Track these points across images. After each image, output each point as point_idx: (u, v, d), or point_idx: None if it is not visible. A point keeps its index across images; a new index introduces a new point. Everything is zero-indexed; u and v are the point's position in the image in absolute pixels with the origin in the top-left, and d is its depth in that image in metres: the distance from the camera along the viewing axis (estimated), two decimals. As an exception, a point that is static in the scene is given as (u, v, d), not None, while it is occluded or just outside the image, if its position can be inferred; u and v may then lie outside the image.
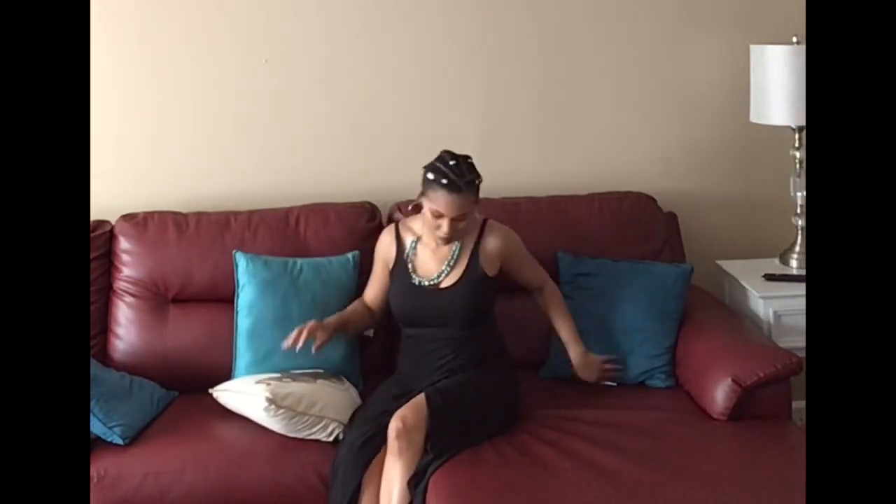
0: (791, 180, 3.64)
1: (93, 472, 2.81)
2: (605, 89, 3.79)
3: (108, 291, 3.41)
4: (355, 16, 3.66)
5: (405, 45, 3.69)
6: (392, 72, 3.70)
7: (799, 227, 3.67)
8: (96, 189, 3.35)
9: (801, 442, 2.73)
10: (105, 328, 3.37)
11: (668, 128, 3.83)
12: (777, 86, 3.49)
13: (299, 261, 3.31)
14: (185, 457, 2.89)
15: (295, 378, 3.06)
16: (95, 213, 3.35)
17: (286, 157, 3.69)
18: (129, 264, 3.39)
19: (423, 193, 2.96)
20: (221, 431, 3.02)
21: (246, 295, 3.25)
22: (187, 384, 3.23)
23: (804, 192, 3.58)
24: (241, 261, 3.29)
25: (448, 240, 2.99)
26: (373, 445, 2.83)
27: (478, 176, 2.96)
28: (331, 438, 2.94)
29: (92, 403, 2.89)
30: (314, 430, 2.94)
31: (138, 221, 3.43)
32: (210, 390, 3.10)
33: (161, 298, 3.38)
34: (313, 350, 3.00)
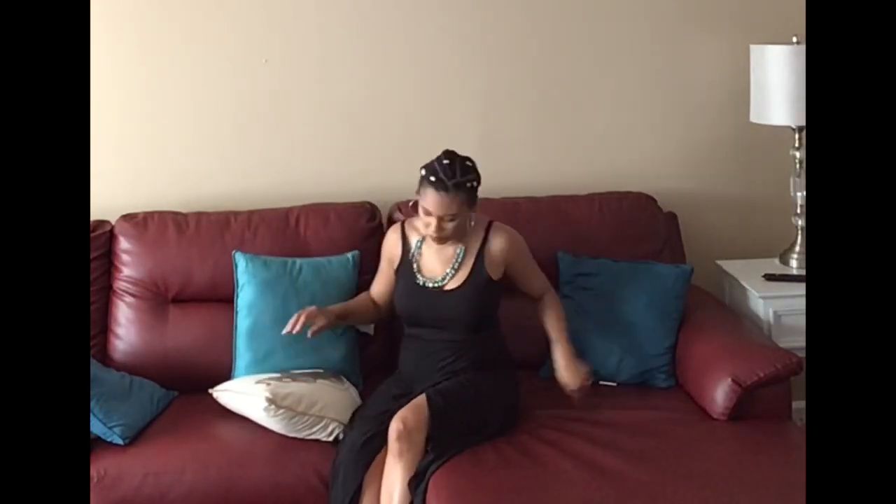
0: (791, 180, 3.64)
1: (93, 472, 2.81)
2: (605, 89, 3.79)
3: (108, 291, 3.41)
4: (355, 16, 3.66)
5: (405, 45, 3.69)
6: (392, 72, 3.70)
7: (799, 227, 3.67)
8: (96, 189, 3.35)
9: (801, 442, 2.73)
10: (105, 328, 3.37)
11: (668, 128, 3.83)
12: (777, 86, 3.49)
13: (299, 261, 3.31)
14: (185, 457, 2.89)
15: (295, 378, 3.06)
16: (95, 213, 3.35)
17: (286, 157, 3.69)
18: (129, 264, 3.39)
19: (417, 191, 2.97)
20: (221, 431, 3.02)
21: (245, 295, 3.25)
22: (187, 384, 3.23)
23: (804, 192, 3.58)
24: (241, 261, 3.29)
25: (438, 239, 2.98)
26: (373, 445, 2.83)
27: (472, 179, 2.93)
28: (331, 438, 2.94)
29: (92, 403, 2.89)
30: (314, 429, 2.94)
31: (138, 221, 3.43)
32: (210, 390, 3.10)
33: (161, 298, 3.38)
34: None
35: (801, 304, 3.24)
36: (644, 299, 3.27)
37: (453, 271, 3.02)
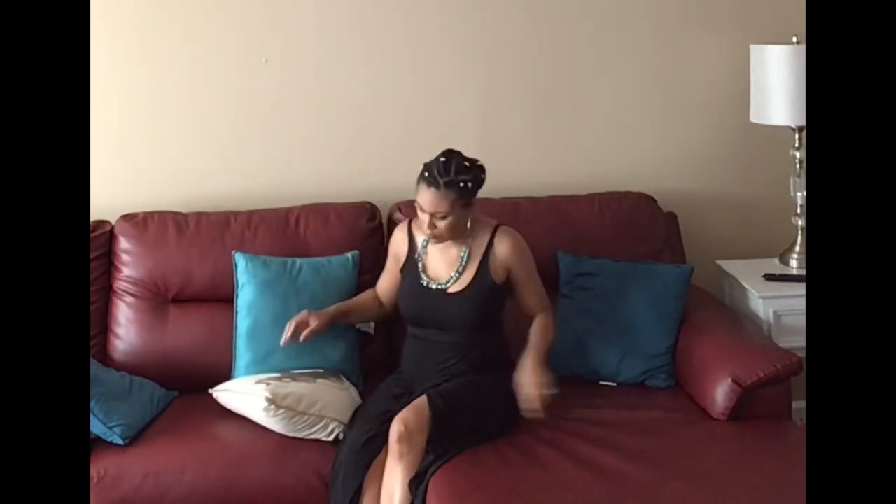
0: (791, 180, 3.64)
1: (93, 472, 2.81)
2: (605, 89, 3.80)
3: (108, 291, 3.41)
4: (355, 16, 3.66)
5: (405, 46, 3.69)
6: (392, 72, 3.70)
7: (799, 227, 3.67)
8: (96, 189, 3.36)
9: (801, 442, 2.73)
10: (105, 328, 3.37)
11: (668, 128, 3.83)
12: (777, 86, 3.49)
13: (298, 260, 3.31)
14: (185, 457, 2.89)
15: (295, 378, 3.06)
16: (95, 213, 3.35)
17: (286, 157, 3.69)
18: (129, 264, 3.39)
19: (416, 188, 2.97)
20: (221, 431, 3.02)
21: (245, 295, 3.25)
22: (187, 384, 3.23)
23: (804, 192, 3.58)
24: (241, 261, 3.29)
25: (432, 237, 2.98)
26: (374, 445, 2.83)
27: (467, 179, 2.91)
28: (331, 438, 2.94)
29: (92, 403, 2.89)
30: (314, 429, 2.94)
31: (138, 221, 3.44)
32: (210, 390, 3.10)
33: (161, 298, 3.38)
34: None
35: (801, 304, 3.24)
36: (644, 299, 3.27)
37: (457, 273, 3.01)
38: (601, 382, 3.24)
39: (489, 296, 3.00)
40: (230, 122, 3.66)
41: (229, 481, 2.85)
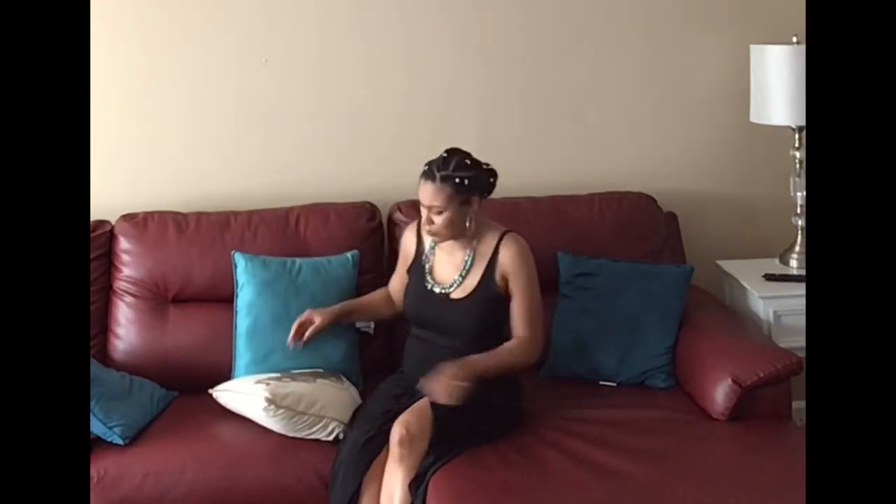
0: (791, 180, 3.64)
1: (93, 472, 2.82)
2: (605, 89, 3.79)
3: (108, 291, 3.41)
4: (355, 16, 3.66)
5: (405, 46, 3.69)
6: (392, 72, 3.70)
7: (799, 227, 3.67)
8: (96, 189, 3.36)
9: (801, 442, 2.73)
10: (105, 328, 3.37)
11: (668, 128, 3.83)
12: (777, 86, 3.49)
13: (298, 260, 3.31)
14: (185, 457, 2.89)
15: (294, 378, 3.06)
16: (95, 213, 3.35)
17: (286, 157, 3.69)
18: (129, 264, 3.39)
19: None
20: (221, 431, 3.02)
21: (245, 295, 3.25)
22: (187, 384, 3.23)
23: (804, 192, 3.58)
24: (240, 261, 3.29)
25: (432, 234, 2.97)
26: (374, 446, 2.82)
27: (465, 175, 2.89)
28: (331, 438, 2.94)
29: (92, 403, 2.89)
30: (314, 429, 2.94)
31: (138, 221, 3.43)
32: (210, 390, 3.10)
33: (161, 298, 3.38)
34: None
35: (801, 304, 3.24)
36: (644, 299, 3.27)
37: (461, 279, 3.00)
38: (601, 382, 3.24)
39: (492, 304, 2.97)
40: (230, 122, 3.66)
41: (229, 481, 2.85)
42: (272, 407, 2.91)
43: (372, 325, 3.35)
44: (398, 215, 3.50)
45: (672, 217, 3.67)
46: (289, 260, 3.31)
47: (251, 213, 3.48)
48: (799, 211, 3.65)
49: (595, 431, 2.89)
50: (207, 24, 3.61)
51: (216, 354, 3.27)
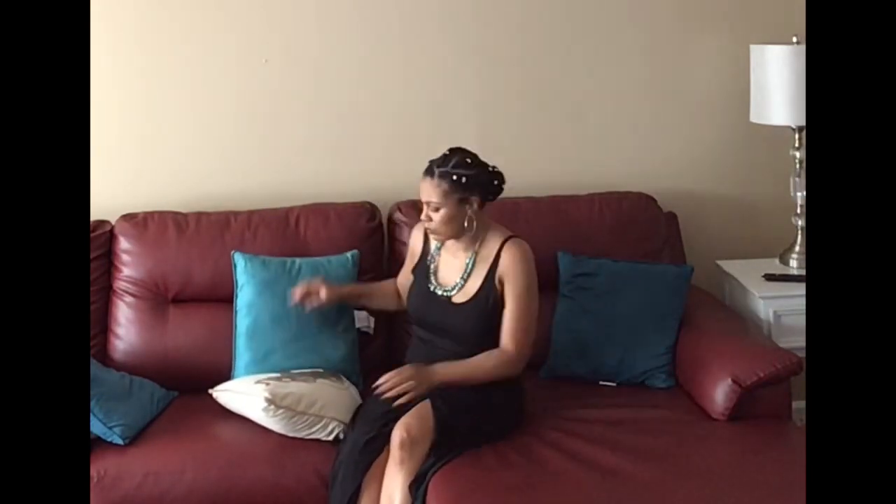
0: (791, 180, 3.64)
1: (93, 472, 2.82)
2: (605, 89, 3.79)
3: (108, 291, 3.41)
4: (355, 16, 3.66)
5: (405, 46, 3.69)
6: (392, 72, 3.70)
7: (799, 227, 3.67)
8: (96, 189, 3.35)
9: (801, 442, 2.73)
10: (105, 328, 3.37)
11: (668, 128, 3.83)
12: (777, 86, 3.49)
13: (298, 260, 3.31)
14: (185, 457, 2.89)
15: (294, 378, 3.06)
16: (95, 213, 3.35)
17: (286, 157, 3.69)
18: (129, 264, 3.39)
19: None
20: (221, 431, 3.02)
21: (245, 295, 3.25)
22: (187, 384, 3.23)
23: (804, 192, 3.58)
24: (240, 261, 3.29)
25: (430, 231, 2.98)
26: (374, 446, 2.81)
27: (463, 173, 2.89)
28: (331, 438, 2.94)
29: (92, 403, 2.89)
30: (314, 429, 2.94)
31: (138, 221, 3.44)
32: (210, 390, 3.10)
33: (161, 298, 3.38)
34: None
35: (801, 304, 3.24)
36: (644, 299, 3.27)
37: (462, 282, 2.99)
38: (601, 382, 3.23)
39: (493, 310, 2.95)
40: (230, 122, 3.66)
41: (229, 481, 2.85)
42: (272, 407, 2.91)
43: (372, 325, 3.35)
44: (398, 215, 3.50)
45: (672, 217, 3.67)
46: (289, 260, 3.31)
47: (251, 213, 3.48)
48: (799, 211, 3.65)
49: (595, 431, 2.89)
50: (207, 24, 3.61)
51: (216, 354, 3.27)
